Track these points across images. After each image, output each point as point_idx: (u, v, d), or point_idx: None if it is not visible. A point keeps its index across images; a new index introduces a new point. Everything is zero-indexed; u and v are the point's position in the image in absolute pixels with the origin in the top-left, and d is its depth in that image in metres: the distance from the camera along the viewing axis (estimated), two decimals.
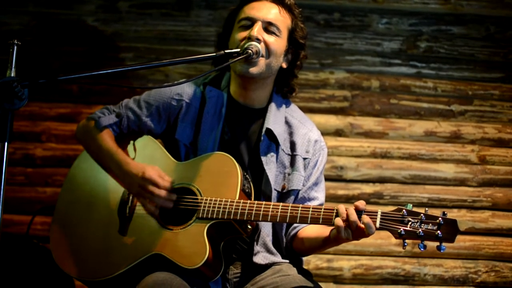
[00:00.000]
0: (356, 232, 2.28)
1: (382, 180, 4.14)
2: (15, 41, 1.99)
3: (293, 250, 2.70)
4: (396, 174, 4.13)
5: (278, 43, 2.63)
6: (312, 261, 4.02)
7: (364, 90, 4.18)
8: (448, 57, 4.22)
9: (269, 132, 2.68)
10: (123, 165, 2.57)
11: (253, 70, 2.58)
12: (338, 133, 4.15)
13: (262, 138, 2.66)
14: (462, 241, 4.09)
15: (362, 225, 2.25)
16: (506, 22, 4.22)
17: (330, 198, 4.01)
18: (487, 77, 4.23)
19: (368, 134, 4.16)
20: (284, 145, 2.71)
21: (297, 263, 2.68)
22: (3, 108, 1.94)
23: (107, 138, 2.66)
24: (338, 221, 2.28)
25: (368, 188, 4.12)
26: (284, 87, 2.80)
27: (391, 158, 4.15)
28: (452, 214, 3.99)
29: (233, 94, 2.74)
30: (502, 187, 4.17)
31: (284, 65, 2.72)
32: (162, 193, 2.48)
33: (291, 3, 2.71)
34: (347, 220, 2.27)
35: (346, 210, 2.28)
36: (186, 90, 2.74)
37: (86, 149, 2.75)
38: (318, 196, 2.73)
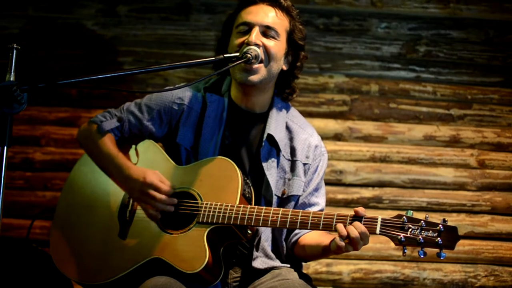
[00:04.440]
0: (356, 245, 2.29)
1: (381, 184, 4.13)
2: (15, 45, 1.99)
3: (295, 256, 2.69)
4: (395, 178, 4.13)
5: (278, 47, 2.62)
6: (311, 266, 4.01)
7: (363, 94, 4.18)
8: (447, 61, 4.22)
9: (270, 137, 2.67)
10: (124, 170, 2.57)
11: (253, 78, 2.57)
12: (337, 137, 4.14)
13: (263, 143, 2.66)
14: (461, 246, 4.08)
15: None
16: (505, 26, 4.22)
17: (329, 202, 3.99)
18: (486, 81, 4.23)
19: (367, 138, 4.15)
20: (285, 151, 2.70)
21: (296, 267, 2.68)
22: (2, 112, 1.94)
23: (108, 143, 2.65)
24: (340, 242, 2.27)
25: (367, 192, 4.11)
26: (285, 89, 2.79)
27: (390, 162, 4.14)
28: (451, 218, 3.99)
29: (234, 99, 2.73)
30: (501, 191, 4.17)
31: (285, 68, 2.71)
32: (163, 197, 2.48)
33: (288, 5, 2.69)
34: (348, 237, 2.27)
35: (346, 229, 2.27)
36: (187, 94, 2.73)
37: (88, 153, 2.74)
38: (319, 202, 2.73)
